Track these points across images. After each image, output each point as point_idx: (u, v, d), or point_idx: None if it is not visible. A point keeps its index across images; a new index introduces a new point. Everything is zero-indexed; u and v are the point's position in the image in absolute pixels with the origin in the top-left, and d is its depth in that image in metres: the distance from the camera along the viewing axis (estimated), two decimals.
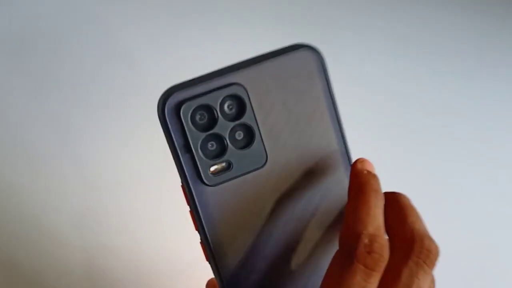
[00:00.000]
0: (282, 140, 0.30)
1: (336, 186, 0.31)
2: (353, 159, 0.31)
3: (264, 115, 0.29)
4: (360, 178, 0.29)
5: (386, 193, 0.30)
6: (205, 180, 0.29)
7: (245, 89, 0.29)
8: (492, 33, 0.72)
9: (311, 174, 0.30)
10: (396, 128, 0.64)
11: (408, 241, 0.27)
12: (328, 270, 0.27)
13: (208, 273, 0.33)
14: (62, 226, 0.52)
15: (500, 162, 0.65)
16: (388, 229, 0.29)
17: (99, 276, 0.50)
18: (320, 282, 0.27)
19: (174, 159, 0.29)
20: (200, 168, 0.28)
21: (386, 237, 0.27)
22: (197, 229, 0.30)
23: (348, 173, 0.30)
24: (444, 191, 0.62)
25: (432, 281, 0.29)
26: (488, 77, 0.70)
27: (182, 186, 0.29)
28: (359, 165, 0.29)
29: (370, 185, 0.28)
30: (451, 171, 0.63)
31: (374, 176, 0.29)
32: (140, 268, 0.51)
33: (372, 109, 0.64)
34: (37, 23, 0.57)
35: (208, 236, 0.29)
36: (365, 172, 0.29)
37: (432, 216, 0.59)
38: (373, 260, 0.26)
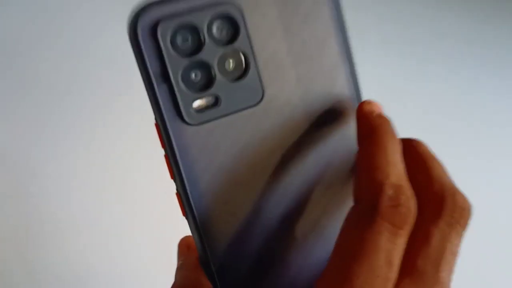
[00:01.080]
0: (283, 73, 0.24)
1: (345, 135, 0.26)
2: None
3: (262, 41, 0.24)
4: (371, 121, 0.24)
5: (402, 140, 0.25)
6: (185, 117, 0.23)
7: (239, 8, 0.23)
8: (491, 32, 0.71)
9: (317, 117, 0.25)
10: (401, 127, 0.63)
11: (438, 198, 0.23)
12: (342, 232, 0.22)
13: None
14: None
15: (500, 160, 0.65)
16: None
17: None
18: (330, 249, 0.22)
19: (147, 91, 0.23)
20: (180, 102, 0.23)
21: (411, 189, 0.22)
22: (172, 176, 0.25)
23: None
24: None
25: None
26: (487, 77, 0.69)
27: (156, 124, 0.24)
28: (367, 107, 0.24)
29: (384, 127, 0.23)
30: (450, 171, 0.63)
31: (387, 119, 0.24)
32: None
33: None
34: (14, 24, 0.51)
35: (186, 183, 0.24)
36: (376, 114, 0.24)
37: None
38: (400, 215, 0.21)
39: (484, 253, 0.59)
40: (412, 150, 0.24)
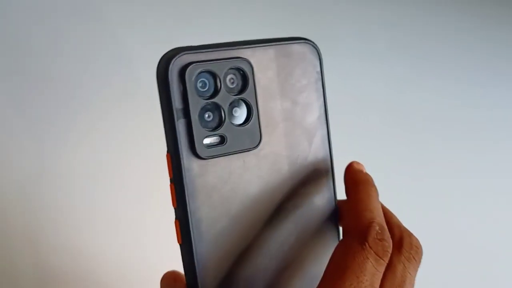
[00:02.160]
0: (277, 127, 0.29)
1: (319, 189, 0.31)
2: (334, 163, 0.31)
3: (265, 96, 0.29)
4: (360, 175, 0.31)
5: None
6: (198, 151, 0.27)
7: (251, 65, 0.28)
8: (492, 37, 0.76)
9: (299, 169, 0.30)
10: (394, 132, 0.65)
11: (398, 239, 0.28)
12: (332, 258, 0.27)
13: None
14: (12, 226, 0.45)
15: (496, 166, 0.68)
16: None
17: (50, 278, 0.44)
18: (313, 282, 0.27)
19: (165, 124, 0.27)
20: (195, 137, 0.27)
21: None
22: (176, 205, 0.27)
23: (329, 178, 0.31)
24: (441, 196, 0.64)
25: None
26: (487, 82, 0.73)
27: (168, 155, 0.27)
28: (356, 165, 0.32)
29: (369, 181, 0.30)
30: (448, 175, 0.65)
31: (370, 176, 0.31)
32: (96, 271, 0.46)
33: (370, 113, 0.65)
34: (28, 20, 0.52)
35: (188, 212, 0.27)
36: (364, 171, 0.31)
37: (432, 219, 0.61)
38: (383, 247, 0.26)
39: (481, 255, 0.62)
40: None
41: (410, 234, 0.29)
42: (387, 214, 0.30)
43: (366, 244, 0.26)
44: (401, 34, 0.70)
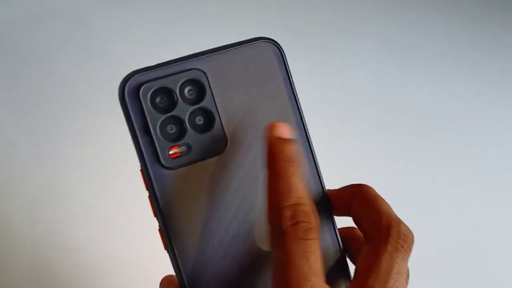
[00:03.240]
0: (243, 129, 0.30)
1: None
2: (314, 148, 0.31)
3: (225, 101, 0.30)
4: (271, 148, 0.27)
5: (351, 187, 0.31)
6: (163, 162, 0.29)
7: (205, 74, 0.29)
8: (486, 37, 0.73)
9: None
10: (388, 132, 0.64)
11: (385, 228, 0.27)
12: (272, 253, 0.26)
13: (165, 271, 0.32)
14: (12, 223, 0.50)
15: (492, 163, 0.66)
16: (363, 220, 0.30)
17: (49, 275, 0.49)
18: None
19: (133, 141, 0.29)
20: (158, 150, 0.28)
21: (311, 203, 0.26)
22: (155, 215, 0.29)
23: (312, 164, 0.31)
24: (439, 194, 0.62)
25: (407, 271, 0.29)
26: (482, 80, 0.70)
27: (141, 170, 0.29)
28: (269, 132, 0.28)
29: (282, 154, 0.27)
30: (445, 174, 0.64)
31: (286, 142, 0.28)
32: (93, 269, 0.50)
33: (362, 113, 0.64)
34: (20, 24, 0.57)
35: (165, 222, 0.29)
36: (275, 140, 0.28)
37: (432, 217, 0.59)
38: (302, 229, 0.25)
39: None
40: (364, 193, 0.30)
41: (398, 222, 0.28)
42: (374, 204, 0.29)
43: (284, 234, 0.25)
44: (391, 31, 0.69)
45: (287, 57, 0.31)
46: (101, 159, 0.54)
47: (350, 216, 0.31)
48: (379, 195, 0.30)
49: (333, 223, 0.31)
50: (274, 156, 0.27)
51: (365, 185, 0.30)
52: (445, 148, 0.65)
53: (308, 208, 0.26)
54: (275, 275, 0.26)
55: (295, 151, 0.27)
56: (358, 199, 0.30)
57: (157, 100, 0.29)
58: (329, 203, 0.31)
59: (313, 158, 0.31)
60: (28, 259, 0.49)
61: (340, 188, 0.32)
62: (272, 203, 0.26)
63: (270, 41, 0.31)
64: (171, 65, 0.29)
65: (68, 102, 0.56)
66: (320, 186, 0.31)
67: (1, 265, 0.48)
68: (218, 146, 0.29)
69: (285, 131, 0.28)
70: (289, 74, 0.31)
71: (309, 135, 0.31)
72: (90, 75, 0.57)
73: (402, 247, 0.27)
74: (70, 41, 0.58)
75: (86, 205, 0.53)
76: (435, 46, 0.71)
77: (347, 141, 0.61)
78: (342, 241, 0.31)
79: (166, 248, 0.29)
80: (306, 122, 0.31)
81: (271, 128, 0.28)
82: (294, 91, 0.31)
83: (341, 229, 0.32)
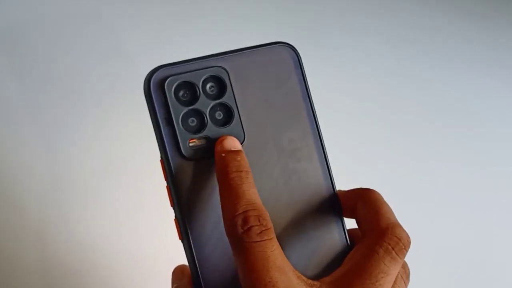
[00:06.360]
0: (259, 125, 0.31)
1: (309, 174, 0.32)
2: (326, 147, 0.32)
3: (244, 98, 0.31)
4: (219, 164, 0.29)
5: (358, 190, 0.32)
6: (183, 152, 0.30)
7: (226, 71, 0.31)
8: (485, 32, 0.74)
9: (286, 161, 0.32)
10: (389, 128, 0.65)
11: (381, 230, 0.28)
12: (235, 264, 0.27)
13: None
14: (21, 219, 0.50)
15: (493, 160, 0.66)
16: (363, 222, 0.31)
17: (54, 268, 0.48)
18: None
19: (155, 132, 0.30)
20: (180, 140, 0.30)
21: (261, 206, 0.27)
22: (172, 205, 0.30)
23: (324, 164, 0.32)
24: (438, 190, 0.63)
25: (405, 272, 0.30)
26: (489, 77, 0.71)
27: (161, 160, 0.30)
28: (218, 147, 0.29)
29: (229, 167, 0.28)
30: (445, 170, 0.64)
31: (232, 155, 0.29)
32: (100, 261, 0.50)
33: (365, 110, 0.65)
34: (30, 19, 0.58)
35: (182, 211, 0.30)
36: (222, 155, 0.29)
37: (431, 215, 0.60)
38: (255, 233, 0.26)
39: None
40: (366, 197, 0.31)
41: (395, 225, 0.29)
42: (376, 207, 0.30)
43: (239, 242, 0.26)
44: (394, 28, 0.70)
45: (302, 61, 0.33)
46: (110, 155, 0.55)
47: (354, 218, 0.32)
48: (383, 200, 0.31)
49: (342, 222, 0.32)
50: (222, 169, 0.28)
51: (371, 189, 0.32)
52: (451, 146, 0.65)
53: (258, 212, 0.27)
54: (241, 283, 0.27)
55: (242, 161, 0.29)
56: (363, 202, 0.31)
57: (181, 93, 0.30)
58: (338, 202, 0.32)
59: (325, 159, 0.33)
60: (36, 253, 0.49)
61: (348, 190, 0.33)
62: (225, 216, 0.27)
63: (287, 45, 0.32)
64: (195, 62, 0.30)
65: (78, 99, 0.56)
66: (331, 186, 0.32)
67: (10, 259, 0.48)
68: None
69: (231, 143, 0.30)
70: (305, 77, 0.33)
71: (322, 136, 0.33)
72: (101, 72, 0.58)
73: (393, 249, 0.28)
74: (82, 38, 0.59)
75: (94, 201, 0.53)
76: (441, 43, 0.72)
77: (350, 139, 0.61)
78: (350, 240, 0.32)
79: (181, 238, 0.30)
80: (320, 124, 0.33)
81: (218, 143, 0.30)
82: (309, 93, 0.33)
83: (350, 230, 0.33)
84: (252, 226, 0.26)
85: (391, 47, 0.70)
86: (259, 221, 0.26)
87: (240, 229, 0.26)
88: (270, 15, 0.66)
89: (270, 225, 0.27)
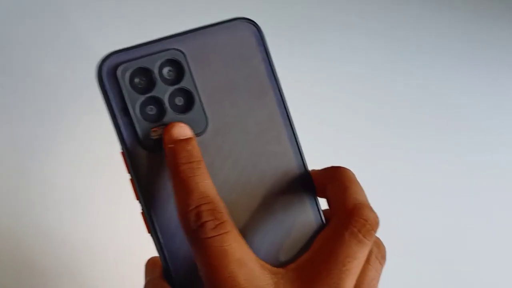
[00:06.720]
0: (223, 108, 0.30)
1: (278, 155, 0.31)
2: (295, 126, 0.31)
3: (204, 81, 0.30)
4: (167, 156, 0.27)
5: (331, 168, 0.30)
6: (144, 143, 0.28)
7: (183, 54, 0.29)
8: (481, 29, 0.73)
9: (254, 143, 0.30)
10: (379, 125, 0.64)
11: (347, 211, 0.27)
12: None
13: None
14: None
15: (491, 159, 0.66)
16: (332, 202, 0.29)
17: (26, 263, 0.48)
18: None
19: (112, 123, 0.28)
20: (138, 131, 0.28)
21: (215, 198, 0.26)
22: (137, 197, 0.29)
23: (294, 143, 0.31)
24: (434, 186, 0.63)
25: (380, 252, 0.29)
26: (476, 73, 0.70)
27: (122, 152, 0.29)
28: (165, 137, 0.28)
29: (178, 159, 0.27)
30: (439, 166, 0.64)
31: (182, 144, 0.27)
32: (73, 256, 0.50)
33: (356, 107, 0.64)
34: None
35: (148, 204, 0.28)
36: (170, 145, 0.27)
37: (430, 212, 0.60)
38: (209, 228, 0.25)
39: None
40: (336, 175, 0.29)
41: (362, 206, 0.27)
42: (345, 186, 0.28)
43: (195, 238, 0.25)
44: (381, 24, 0.69)
45: (265, 37, 0.31)
46: (86, 154, 0.54)
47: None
48: (353, 179, 0.29)
49: (316, 202, 0.31)
50: (171, 162, 0.27)
51: (342, 167, 0.30)
52: (438, 141, 0.65)
53: (212, 205, 0.26)
54: (203, 280, 0.26)
55: (193, 150, 0.27)
56: (332, 180, 0.29)
57: (136, 80, 0.28)
58: (311, 182, 0.31)
59: (295, 139, 0.31)
60: (8, 248, 0.49)
61: (321, 169, 0.31)
62: (178, 212, 0.26)
63: (248, 20, 0.30)
64: (149, 45, 0.29)
65: (53, 100, 0.55)
66: (303, 166, 0.31)
67: None
68: (199, 127, 0.29)
69: (179, 132, 0.28)
70: (268, 54, 0.31)
71: (291, 116, 0.31)
72: (73, 72, 0.57)
73: (359, 231, 0.27)
74: (52, 38, 0.57)
75: (68, 197, 0.52)
76: (428, 39, 0.71)
77: (338, 133, 0.60)
78: (326, 221, 0.31)
79: (149, 231, 0.29)
80: (287, 103, 0.31)
81: (166, 132, 0.28)
82: (274, 71, 0.31)
83: (325, 211, 0.32)
84: (206, 221, 0.25)
85: (378, 42, 0.69)
86: (213, 214, 0.25)
87: (194, 225, 0.25)
88: (255, 10, 0.64)
89: (226, 217, 0.26)
